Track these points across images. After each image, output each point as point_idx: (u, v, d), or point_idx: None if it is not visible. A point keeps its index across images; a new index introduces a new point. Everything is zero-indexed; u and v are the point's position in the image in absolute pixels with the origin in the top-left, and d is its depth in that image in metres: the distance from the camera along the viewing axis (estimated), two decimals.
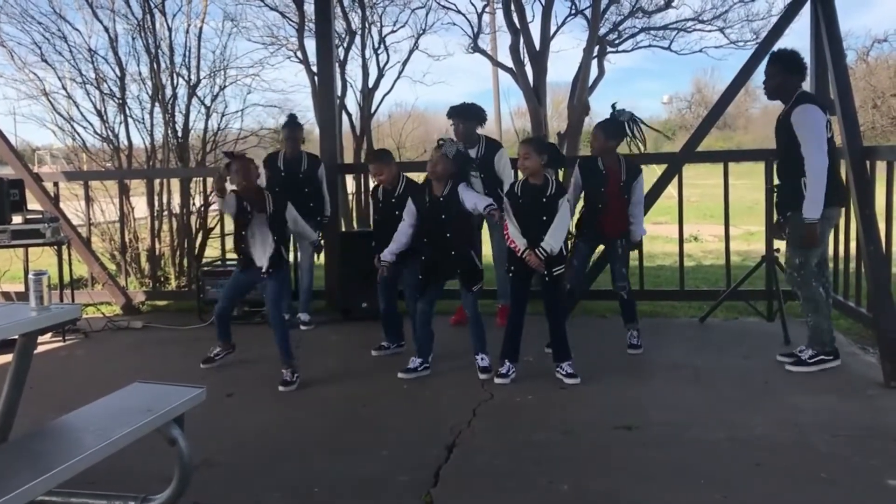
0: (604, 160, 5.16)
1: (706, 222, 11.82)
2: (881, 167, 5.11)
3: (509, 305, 4.92)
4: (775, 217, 5.16)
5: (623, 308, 5.32)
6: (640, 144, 5.20)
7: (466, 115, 5.75)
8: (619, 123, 5.11)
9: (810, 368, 4.71)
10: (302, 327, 6.25)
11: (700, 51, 11.64)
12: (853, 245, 5.32)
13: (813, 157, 4.45)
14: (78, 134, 8.39)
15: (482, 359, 4.83)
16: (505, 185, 5.75)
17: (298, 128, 6.34)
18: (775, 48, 4.82)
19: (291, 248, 6.40)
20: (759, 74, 5.03)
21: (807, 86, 6.01)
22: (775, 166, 5.01)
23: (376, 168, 5.19)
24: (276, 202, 4.92)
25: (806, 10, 5.80)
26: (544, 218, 4.56)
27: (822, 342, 4.73)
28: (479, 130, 5.90)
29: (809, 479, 3.28)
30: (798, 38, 6.22)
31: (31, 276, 2.90)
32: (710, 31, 11.15)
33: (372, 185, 5.43)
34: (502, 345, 4.74)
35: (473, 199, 4.64)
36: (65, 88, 8.32)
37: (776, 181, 5.02)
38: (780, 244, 5.59)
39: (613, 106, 5.17)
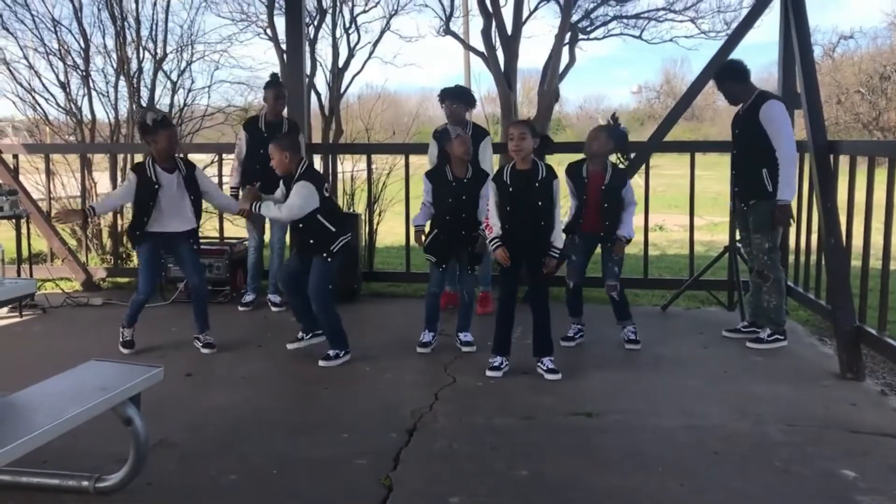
0: (591, 165, 5.01)
1: (671, 212, 11.92)
2: (844, 161, 5.19)
3: (496, 296, 4.97)
4: (730, 205, 5.48)
5: (614, 308, 5.19)
6: (626, 160, 5.39)
7: (459, 97, 5.76)
8: (622, 134, 5.08)
9: (769, 346, 5.00)
10: (273, 308, 6.18)
11: (671, 40, 11.66)
12: (814, 237, 5.41)
13: (785, 147, 4.84)
14: (39, 105, 8.23)
15: (465, 335, 5.06)
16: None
17: (283, 87, 6.19)
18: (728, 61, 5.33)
19: (267, 229, 6.33)
20: None
21: (774, 78, 6.12)
22: (731, 158, 5.31)
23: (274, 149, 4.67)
24: (186, 164, 5.02)
25: (776, 3, 5.86)
26: (539, 203, 4.44)
27: (780, 322, 5.05)
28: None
29: (764, 467, 3.34)
30: (767, 30, 6.28)
31: None
32: (681, 20, 11.19)
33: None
34: (494, 339, 4.62)
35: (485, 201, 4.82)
36: (26, 58, 8.15)
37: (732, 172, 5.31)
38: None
39: (615, 116, 5.16)
